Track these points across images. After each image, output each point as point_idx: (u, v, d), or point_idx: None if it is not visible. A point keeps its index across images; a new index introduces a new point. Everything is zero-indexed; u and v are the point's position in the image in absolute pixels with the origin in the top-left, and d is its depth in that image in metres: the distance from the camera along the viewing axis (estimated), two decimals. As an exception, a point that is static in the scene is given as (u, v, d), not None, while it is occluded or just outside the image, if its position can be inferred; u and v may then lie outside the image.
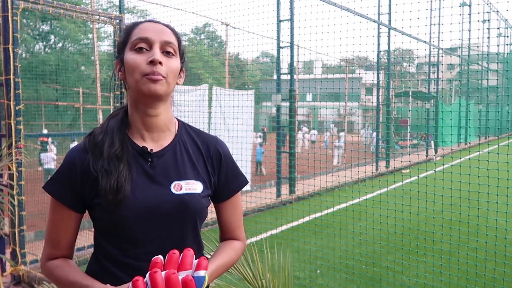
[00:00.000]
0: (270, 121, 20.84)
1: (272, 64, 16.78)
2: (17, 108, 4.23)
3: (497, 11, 19.36)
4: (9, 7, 4.12)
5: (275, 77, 9.16)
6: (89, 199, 1.18)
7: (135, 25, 1.21)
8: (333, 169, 12.11)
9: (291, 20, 8.26)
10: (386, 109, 13.23)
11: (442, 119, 13.35)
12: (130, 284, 0.95)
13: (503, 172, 4.33)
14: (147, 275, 0.94)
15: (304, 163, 8.12)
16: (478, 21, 19.32)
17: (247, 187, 8.89)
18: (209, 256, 1.36)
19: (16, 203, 4.15)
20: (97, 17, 5.19)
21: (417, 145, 18.14)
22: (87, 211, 1.25)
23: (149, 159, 1.21)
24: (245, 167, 7.67)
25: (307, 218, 6.83)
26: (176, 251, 0.98)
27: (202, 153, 1.29)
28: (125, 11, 6.30)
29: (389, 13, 12.05)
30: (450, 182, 4.51)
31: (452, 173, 4.62)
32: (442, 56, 16.10)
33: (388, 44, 11.88)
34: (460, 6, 17.03)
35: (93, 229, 1.26)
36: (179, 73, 1.24)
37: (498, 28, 20.96)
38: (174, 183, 1.21)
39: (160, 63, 1.14)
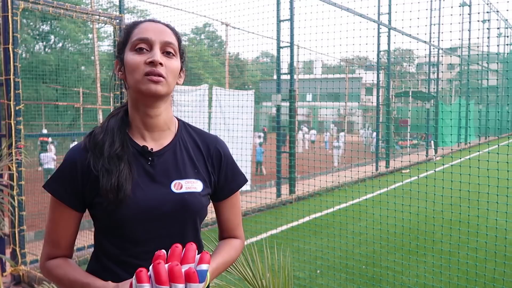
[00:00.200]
0: (270, 121, 20.85)
1: (272, 64, 16.79)
2: (17, 108, 4.23)
3: (497, 11, 19.36)
4: (9, 7, 4.12)
5: (275, 77, 9.16)
6: (90, 198, 1.18)
7: (135, 25, 1.21)
8: (333, 169, 12.11)
9: (291, 20, 8.26)
10: (386, 109, 13.23)
11: (442, 119, 13.35)
12: (133, 277, 0.95)
13: (503, 172, 4.33)
14: (151, 266, 0.96)
15: (304, 163, 8.13)
16: (478, 21, 19.31)
17: (247, 187, 8.89)
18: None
19: (16, 203, 4.15)
20: (97, 17, 5.19)
21: (417, 145, 18.14)
22: (87, 210, 1.25)
23: (150, 158, 1.22)
24: (245, 167, 7.67)
25: (307, 218, 6.83)
26: (179, 245, 1.00)
27: (202, 152, 1.30)
28: (125, 11, 6.29)
29: (389, 13, 12.05)
30: (450, 182, 4.51)
31: (452, 173, 4.62)
32: (442, 56, 16.11)
33: (388, 44, 11.87)
34: (460, 6, 17.03)
35: (93, 229, 1.26)
36: (179, 73, 1.24)
37: (498, 28, 20.96)
38: (174, 182, 1.21)
39: (161, 64, 1.14)
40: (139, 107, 1.21)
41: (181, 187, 1.21)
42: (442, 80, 15.71)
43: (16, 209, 4.23)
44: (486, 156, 4.37)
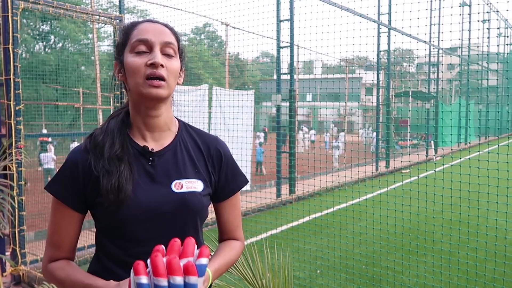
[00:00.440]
0: (270, 121, 20.85)
1: (272, 64, 16.79)
2: (17, 108, 4.23)
3: (497, 11, 19.36)
4: (9, 7, 4.12)
5: (275, 77, 9.15)
6: (91, 199, 1.19)
7: (133, 26, 1.20)
8: (333, 169, 12.11)
9: (291, 20, 8.26)
10: (386, 109, 13.23)
11: (442, 119, 13.35)
12: (131, 271, 0.95)
13: (503, 172, 4.33)
14: (149, 259, 0.94)
15: (304, 163, 8.12)
16: (478, 21, 19.31)
17: (247, 187, 8.89)
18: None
19: (16, 203, 4.15)
20: (97, 17, 5.19)
21: (417, 145, 18.14)
22: (88, 211, 1.25)
23: (150, 158, 1.22)
24: (245, 167, 7.67)
25: (307, 218, 6.83)
26: (177, 239, 0.99)
27: (203, 152, 1.30)
28: (125, 11, 6.29)
29: (389, 13, 12.05)
30: (450, 182, 4.51)
31: (452, 173, 4.62)
32: (442, 56, 16.10)
33: (388, 44, 11.87)
34: (460, 6, 17.03)
35: (93, 229, 1.26)
36: (179, 73, 1.24)
37: (498, 28, 20.96)
38: (174, 182, 1.21)
39: (162, 65, 1.14)
40: (140, 109, 1.21)
41: (182, 187, 1.21)
42: (442, 80, 15.72)
43: (16, 209, 4.23)
44: (486, 156, 4.37)
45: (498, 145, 5.15)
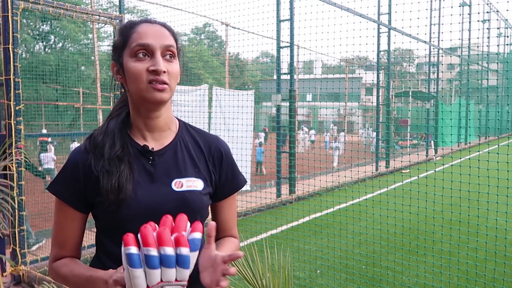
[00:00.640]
0: (270, 121, 20.85)
1: (272, 64, 16.78)
2: (17, 108, 4.23)
3: (497, 11, 19.36)
4: (9, 7, 4.12)
5: (275, 77, 9.15)
6: (92, 198, 1.19)
7: (132, 27, 1.19)
8: (333, 169, 12.10)
9: (291, 20, 8.26)
10: (386, 109, 13.23)
11: (442, 119, 13.36)
12: (122, 244, 0.93)
13: (503, 172, 4.33)
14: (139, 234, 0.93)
15: (304, 163, 8.12)
16: (478, 21, 19.32)
17: (247, 187, 8.90)
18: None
19: (16, 203, 4.15)
20: (97, 17, 5.19)
21: (417, 145, 18.15)
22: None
23: (150, 157, 1.22)
24: (245, 167, 7.67)
25: (307, 218, 6.83)
26: (169, 216, 0.98)
27: (203, 151, 1.30)
28: (125, 11, 6.30)
29: (389, 13, 12.05)
30: (450, 182, 4.51)
31: (452, 173, 4.62)
32: (442, 56, 16.10)
33: (388, 44, 11.87)
34: (460, 6, 17.04)
35: (94, 229, 1.27)
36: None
37: (498, 28, 20.97)
38: (175, 180, 1.22)
39: (164, 71, 1.14)
40: (140, 110, 1.21)
41: (182, 186, 1.21)
42: (442, 80, 15.72)
43: (16, 209, 4.23)
44: (486, 156, 4.37)
45: (498, 145, 5.15)
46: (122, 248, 0.93)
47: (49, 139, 11.17)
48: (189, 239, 0.95)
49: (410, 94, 14.33)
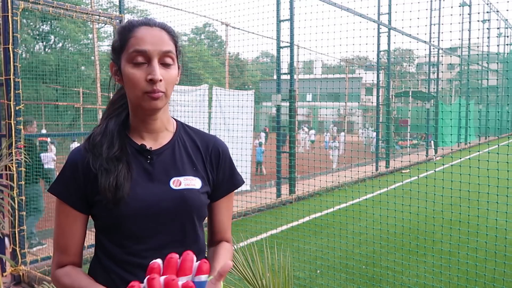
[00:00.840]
0: (270, 121, 20.85)
1: (272, 64, 16.78)
2: (17, 108, 4.23)
3: (497, 11, 19.36)
4: (9, 7, 4.12)
5: (275, 77, 9.15)
6: (91, 197, 1.19)
7: (130, 30, 1.18)
8: (333, 169, 12.10)
9: (291, 20, 8.25)
10: (386, 109, 13.23)
11: (442, 119, 13.36)
12: None
13: (503, 172, 4.33)
14: (145, 281, 0.89)
15: (304, 163, 8.12)
16: (478, 21, 19.32)
17: (247, 187, 8.89)
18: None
19: (16, 203, 4.15)
20: (97, 17, 5.19)
21: (417, 145, 18.15)
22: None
23: (148, 156, 1.23)
24: (245, 167, 7.67)
25: (307, 218, 6.83)
26: (174, 255, 0.94)
27: (201, 150, 1.31)
28: (125, 11, 6.29)
29: (389, 13, 12.05)
30: (450, 182, 4.51)
31: (452, 173, 4.62)
32: (442, 56, 16.10)
33: (388, 44, 11.87)
34: (460, 6, 17.04)
35: (93, 229, 1.27)
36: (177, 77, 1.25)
37: (498, 28, 20.97)
38: (173, 179, 1.22)
39: (160, 80, 1.14)
40: (137, 113, 1.22)
41: (180, 184, 1.22)
42: (442, 80, 15.72)
43: (16, 209, 4.23)
44: (486, 156, 4.37)
45: (498, 145, 5.16)
46: None
47: (49, 139, 11.16)
48: (195, 281, 0.92)
49: (410, 94, 14.34)
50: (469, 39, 15.37)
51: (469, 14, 15.27)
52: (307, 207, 6.69)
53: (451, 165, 5.24)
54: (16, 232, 4.29)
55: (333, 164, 13.58)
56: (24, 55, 17.01)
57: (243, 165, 7.46)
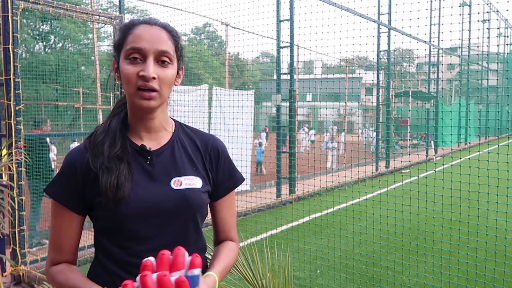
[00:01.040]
0: (270, 121, 20.84)
1: (272, 64, 16.78)
2: (17, 108, 4.23)
3: (497, 11, 19.36)
4: (9, 7, 4.12)
5: (275, 77, 9.15)
6: (90, 199, 1.19)
7: (130, 27, 1.18)
8: (333, 169, 12.10)
9: (291, 20, 8.25)
10: (386, 109, 13.23)
11: (442, 119, 13.35)
12: None
13: (503, 172, 4.33)
14: (138, 278, 0.90)
15: (304, 163, 8.12)
16: (478, 21, 19.32)
17: (247, 187, 8.89)
18: (209, 256, 1.36)
19: (16, 203, 4.15)
20: (97, 17, 5.19)
21: (417, 145, 18.15)
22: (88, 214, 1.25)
23: (148, 157, 1.23)
24: (245, 167, 7.67)
25: (307, 218, 6.83)
26: (166, 251, 0.96)
27: (200, 150, 1.31)
28: (125, 11, 6.30)
29: (389, 13, 12.05)
30: (450, 182, 4.51)
31: (452, 173, 4.62)
32: (442, 56, 16.10)
33: (388, 44, 11.87)
34: (460, 6, 17.03)
35: (93, 229, 1.26)
36: (177, 73, 1.24)
37: (498, 28, 20.97)
38: (174, 179, 1.22)
39: (154, 77, 1.13)
40: (135, 112, 1.22)
41: (181, 184, 1.22)
42: (442, 80, 15.72)
43: (16, 209, 4.23)
44: (486, 156, 4.37)
45: (498, 145, 5.16)
46: None
47: (48, 139, 11.15)
48: (188, 275, 0.93)
49: (410, 94, 14.33)
50: (469, 39, 15.37)
51: (469, 14, 15.28)
52: (307, 207, 6.68)
53: (451, 165, 5.24)
54: (16, 232, 4.29)
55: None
56: (24, 55, 17.01)
57: (243, 165, 7.46)
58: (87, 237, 4.96)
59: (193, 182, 1.24)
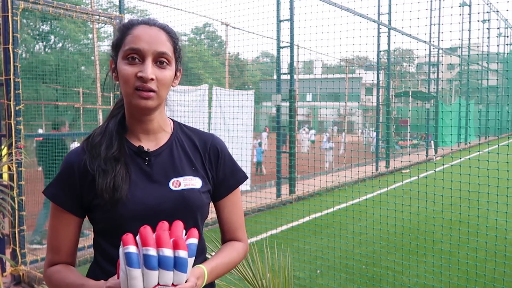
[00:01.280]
0: (270, 121, 20.84)
1: (272, 64, 16.77)
2: (17, 108, 4.23)
3: (497, 11, 19.36)
4: (9, 7, 4.12)
5: (275, 77, 9.15)
6: (88, 201, 1.18)
7: (129, 28, 1.18)
8: (333, 169, 12.09)
9: (291, 20, 8.25)
10: (386, 109, 13.23)
11: (442, 119, 13.35)
12: (121, 244, 0.94)
13: (503, 172, 4.33)
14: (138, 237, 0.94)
15: (304, 163, 8.12)
16: (478, 21, 19.31)
17: (247, 187, 8.89)
18: (209, 257, 1.36)
19: (16, 203, 4.15)
20: (97, 17, 5.19)
21: (417, 145, 18.14)
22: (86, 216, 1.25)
23: (147, 158, 1.22)
24: (245, 167, 7.67)
25: (307, 218, 6.83)
26: (165, 222, 1.00)
27: (199, 149, 1.30)
28: (125, 11, 6.29)
29: (389, 13, 12.04)
30: (450, 182, 4.51)
31: (452, 173, 4.62)
32: (442, 56, 16.09)
33: (388, 44, 11.87)
34: (460, 6, 17.03)
35: (92, 231, 1.26)
36: (175, 74, 1.23)
37: (498, 28, 20.97)
38: (172, 180, 1.21)
39: (152, 78, 1.12)
40: (133, 113, 1.21)
41: (180, 185, 1.21)
42: (442, 80, 15.71)
43: (16, 209, 4.23)
44: (486, 156, 4.37)
45: (498, 145, 5.15)
46: (121, 248, 0.93)
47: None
48: (186, 244, 0.95)
49: (410, 94, 14.32)
50: (469, 39, 15.35)
51: (469, 14, 15.27)
52: (307, 207, 6.68)
53: (451, 165, 5.24)
54: (16, 232, 4.29)
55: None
56: (24, 55, 17.01)
57: (243, 165, 7.45)
58: (87, 237, 4.96)
59: (192, 182, 1.23)
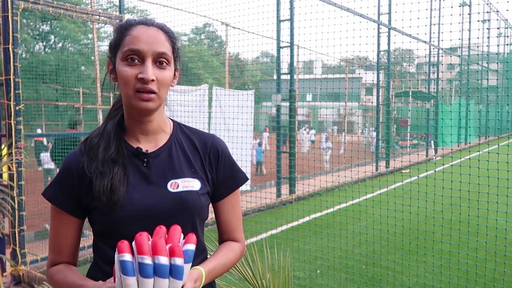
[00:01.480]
0: (270, 121, 20.84)
1: (272, 64, 16.78)
2: (17, 108, 4.23)
3: (497, 11, 19.36)
4: (9, 7, 4.12)
5: (275, 77, 9.15)
6: (87, 203, 1.18)
7: (127, 28, 1.17)
8: (333, 169, 12.09)
9: (291, 20, 8.25)
10: (386, 109, 13.23)
11: (442, 119, 13.35)
12: (116, 251, 0.94)
13: (503, 172, 4.33)
14: (133, 243, 0.93)
15: (304, 163, 8.12)
16: (478, 21, 19.31)
17: (247, 187, 8.89)
18: (208, 257, 1.36)
19: (16, 203, 4.15)
20: (97, 17, 5.19)
21: (417, 145, 18.14)
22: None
23: (145, 159, 1.21)
24: (245, 167, 7.67)
25: (307, 218, 6.83)
26: (163, 226, 0.99)
27: (199, 150, 1.29)
28: (125, 11, 6.29)
29: (389, 13, 12.04)
30: (450, 182, 4.50)
31: (452, 173, 4.62)
32: (442, 56, 16.09)
33: (388, 44, 11.87)
34: (460, 6, 17.03)
35: (92, 230, 1.26)
36: (174, 75, 1.22)
37: (498, 28, 20.96)
38: (170, 181, 1.21)
39: (152, 80, 1.12)
40: (132, 114, 1.21)
41: (178, 187, 1.20)
42: (442, 80, 15.71)
43: (16, 209, 4.23)
44: (486, 156, 4.37)
45: (498, 145, 5.15)
46: (116, 255, 0.92)
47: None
48: (182, 250, 0.95)
49: (410, 94, 14.32)
50: (469, 39, 15.35)
51: (469, 14, 15.26)
52: (307, 207, 6.68)
53: (451, 165, 5.24)
54: (16, 232, 4.29)
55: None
56: (24, 55, 17.01)
57: (243, 165, 7.46)
58: (87, 237, 4.96)
59: (190, 184, 1.22)
